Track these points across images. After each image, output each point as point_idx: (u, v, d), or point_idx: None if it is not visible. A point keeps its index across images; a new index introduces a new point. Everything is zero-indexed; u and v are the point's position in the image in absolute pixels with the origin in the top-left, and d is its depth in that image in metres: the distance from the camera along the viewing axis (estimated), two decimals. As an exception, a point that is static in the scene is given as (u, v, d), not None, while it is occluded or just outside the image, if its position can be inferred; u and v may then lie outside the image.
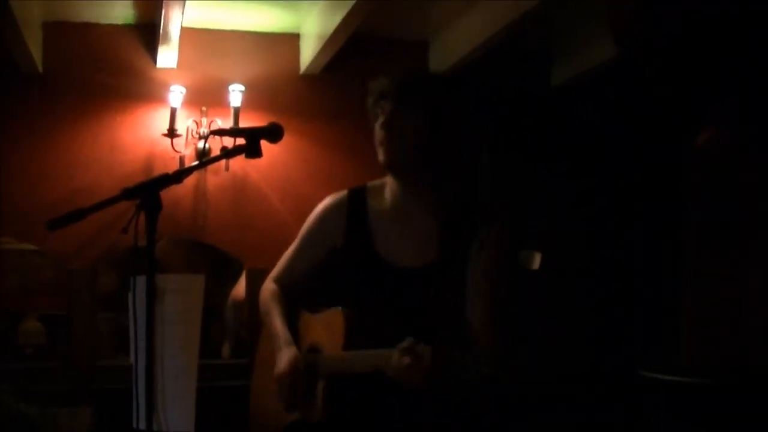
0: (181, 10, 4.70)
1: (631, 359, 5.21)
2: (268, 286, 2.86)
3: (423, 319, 2.47)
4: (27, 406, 4.21)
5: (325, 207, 2.77)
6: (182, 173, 2.11)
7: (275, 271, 2.86)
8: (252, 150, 2.26)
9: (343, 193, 2.75)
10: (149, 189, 1.99)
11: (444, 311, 2.48)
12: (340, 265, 2.69)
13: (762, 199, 4.65)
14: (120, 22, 5.55)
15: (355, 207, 2.68)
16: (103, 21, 5.53)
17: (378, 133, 2.54)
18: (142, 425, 1.97)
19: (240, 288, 5.68)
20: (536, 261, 5.77)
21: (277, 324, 2.71)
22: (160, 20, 4.83)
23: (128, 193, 2.00)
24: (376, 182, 2.73)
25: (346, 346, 2.52)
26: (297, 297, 2.82)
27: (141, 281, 1.98)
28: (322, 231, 2.74)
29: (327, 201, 2.77)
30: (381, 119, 2.53)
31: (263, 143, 2.28)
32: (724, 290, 4.72)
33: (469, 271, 2.49)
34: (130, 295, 2.03)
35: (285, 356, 2.60)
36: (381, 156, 2.55)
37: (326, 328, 2.59)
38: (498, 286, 2.56)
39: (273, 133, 2.34)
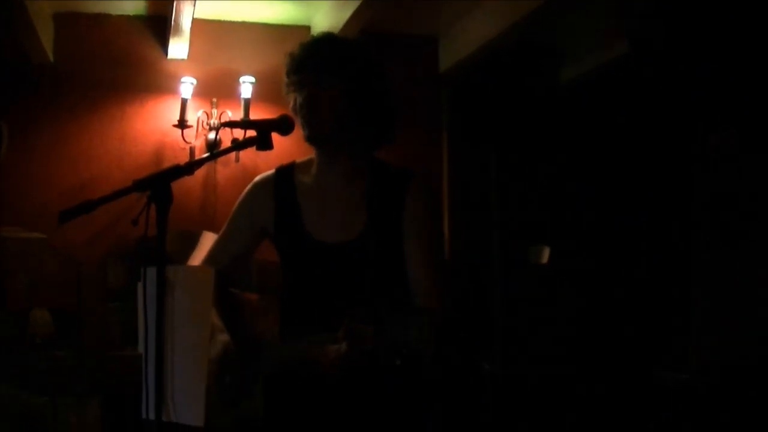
0: (193, 2, 4.70)
1: (640, 359, 5.22)
2: None
3: (361, 293, 2.40)
4: (33, 397, 4.20)
5: (252, 186, 2.62)
6: (193, 165, 2.10)
7: (206, 258, 2.67)
8: (263, 142, 2.25)
9: (271, 171, 2.63)
10: (160, 181, 1.98)
11: (379, 283, 2.41)
12: (275, 246, 2.59)
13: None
14: (131, 13, 5.57)
15: (282, 185, 2.57)
16: (115, 12, 5.55)
17: (301, 106, 2.43)
18: (152, 416, 1.97)
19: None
20: (545, 255, 5.77)
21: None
22: (172, 12, 4.84)
23: (139, 185, 1.98)
24: (305, 159, 2.60)
25: (283, 332, 2.47)
26: (227, 281, 2.66)
27: (151, 272, 1.97)
28: (249, 210, 2.61)
29: (255, 180, 2.64)
30: (304, 92, 2.42)
31: (274, 135, 2.28)
32: (733, 289, 4.71)
33: (404, 236, 2.44)
34: (139, 286, 2.03)
35: (215, 346, 2.49)
36: (304, 128, 2.43)
37: (267, 314, 2.50)
38: (434, 247, 2.50)
39: (284, 125, 2.33)
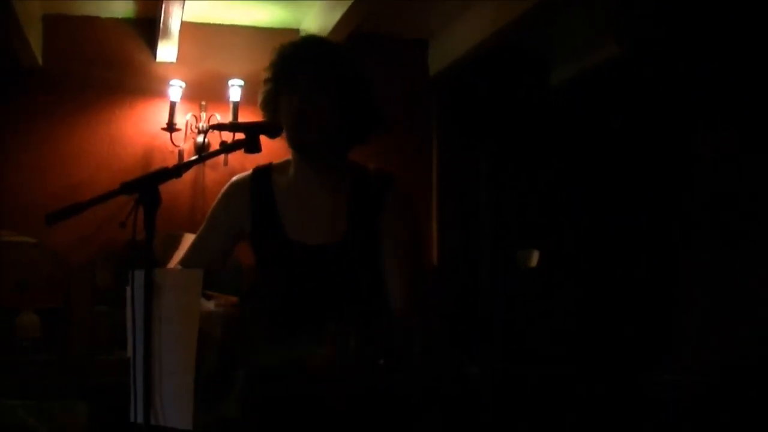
0: (182, 5, 4.70)
1: (640, 359, 5.22)
2: None
3: (338, 296, 2.41)
4: (37, 421, 4.17)
5: (228, 187, 2.62)
6: (182, 167, 2.09)
7: (181, 259, 2.64)
8: (251, 145, 2.24)
9: (248, 172, 2.61)
10: (148, 183, 1.98)
11: (360, 286, 2.42)
12: (252, 248, 2.57)
13: (763, 199, 4.64)
14: (120, 16, 5.56)
15: (259, 186, 2.55)
16: (104, 15, 5.53)
17: (291, 110, 2.39)
18: (140, 420, 1.96)
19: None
20: (534, 259, 5.77)
21: None
22: (160, 15, 4.83)
23: (127, 188, 1.97)
24: (282, 161, 2.59)
25: (262, 334, 2.44)
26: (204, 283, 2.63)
27: (139, 275, 1.97)
28: (226, 211, 2.60)
29: (231, 180, 2.63)
30: (294, 100, 2.39)
31: (262, 139, 2.27)
32: (733, 289, 4.72)
33: (383, 242, 2.44)
34: (128, 290, 2.02)
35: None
36: (293, 136, 2.40)
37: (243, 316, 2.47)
38: (411, 250, 2.49)
39: (272, 128, 2.32)
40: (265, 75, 2.48)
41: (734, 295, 4.68)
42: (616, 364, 5.45)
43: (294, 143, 2.43)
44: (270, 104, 2.48)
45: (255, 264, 2.59)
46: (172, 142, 5.48)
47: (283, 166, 2.58)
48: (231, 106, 5.49)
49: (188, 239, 2.69)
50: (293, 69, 2.42)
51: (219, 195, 2.64)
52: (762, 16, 4.41)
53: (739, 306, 4.64)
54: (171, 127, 5.42)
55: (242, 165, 5.41)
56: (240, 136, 2.26)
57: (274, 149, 2.54)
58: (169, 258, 2.67)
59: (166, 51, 5.40)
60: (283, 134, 2.41)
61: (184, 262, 2.62)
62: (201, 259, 2.58)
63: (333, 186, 2.49)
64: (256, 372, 2.42)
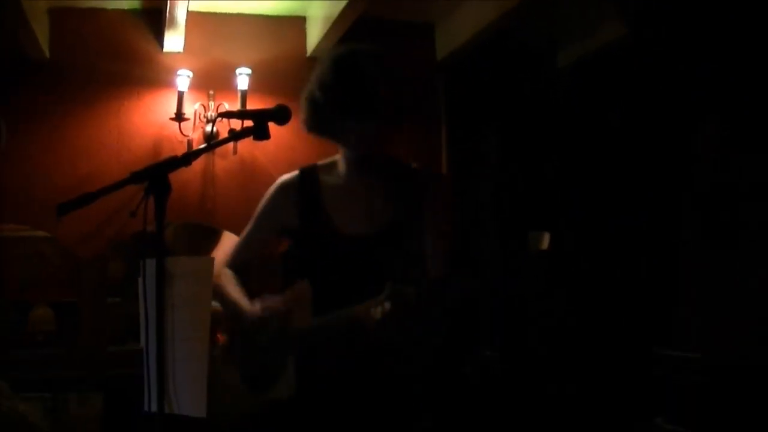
0: (187, -5, 4.70)
1: (635, 358, 5.21)
2: (224, 272, 2.71)
3: (390, 280, 2.42)
4: (26, 405, 4.18)
5: (276, 187, 2.71)
6: (191, 155, 2.10)
7: (229, 257, 2.75)
8: (260, 132, 2.25)
9: (295, 172, 2.70)
10: (158, 172, 1.98)
11: (403, 273, 2.47)
12: (300, 244, 2.66)
13: (763, 199, 4.63)
14: (126, 7, 5.55)
15: (307, 185, 2.65)
16: (110, 6, 5.53)
17: (358, 139, 2.52)
18: (154, 408, 1.97)
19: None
20: (545, 241, 5.75)
21: (242, 303, 2.59)
22: (167, 5, 4.82)
23: (137, 176, 1.98)
24: (327, 160, 2.70)
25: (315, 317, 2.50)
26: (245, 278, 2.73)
27: (151, 265, 1.97)
28: (273, 212, 2.69)
29: (279, 181, 2.72)
30: (360, 125, 2.49)
31: (271, 126, 2.28)
32: (734, 288, 4.71)
33: (426, 229, 2.55)
34: (140, 279, 2.03)
35: (254, 308, 2.53)
36: (363, 159, 2.57)
37: (293, 303, 2.52)
38: (449, 240, 2.61)
39: (280, 115, 2.33)
40: (315, 95, 2.55)
41: (736, 294, 4.67)
42: (616, 362, 5.45)
43: (361, 162, 2.58)
44: (323, 125, 2.56)
45: (302, 258, 2.65)
46: (181, 131, 5.47)
47: (329, 166, 2.68)
48: (239, 94, 5.48)
49: (227, 237, 2.78)
50: (354, 99, 2.49)
51: (266, 195, 2.73)
52: (762, 16, 4.39)
53: (739, 306, 4.63)
54: (179, 117, 5.42)
55: (252, 154, 5.43)
56: (248, 123, 2.27)
57: (282, 137, 2.55)
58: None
59: (173, 41, 5.40)
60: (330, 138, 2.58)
61: (232, 264, 2.73)
62: (248, 256, 2.74)
63: (378, 178, 2.60)
64: (312, 345, 2.48)
